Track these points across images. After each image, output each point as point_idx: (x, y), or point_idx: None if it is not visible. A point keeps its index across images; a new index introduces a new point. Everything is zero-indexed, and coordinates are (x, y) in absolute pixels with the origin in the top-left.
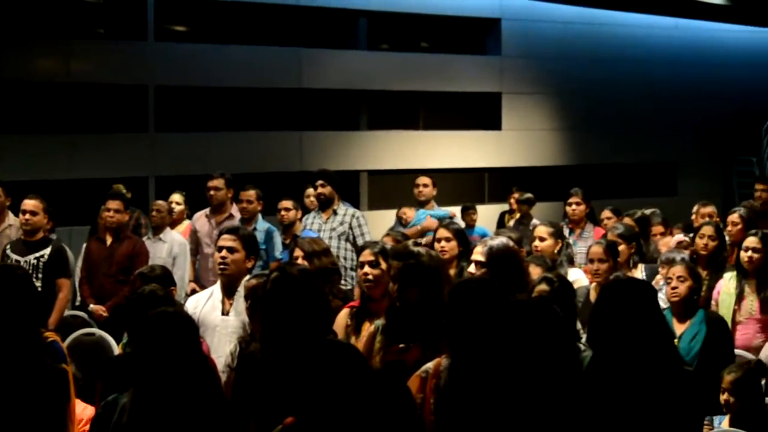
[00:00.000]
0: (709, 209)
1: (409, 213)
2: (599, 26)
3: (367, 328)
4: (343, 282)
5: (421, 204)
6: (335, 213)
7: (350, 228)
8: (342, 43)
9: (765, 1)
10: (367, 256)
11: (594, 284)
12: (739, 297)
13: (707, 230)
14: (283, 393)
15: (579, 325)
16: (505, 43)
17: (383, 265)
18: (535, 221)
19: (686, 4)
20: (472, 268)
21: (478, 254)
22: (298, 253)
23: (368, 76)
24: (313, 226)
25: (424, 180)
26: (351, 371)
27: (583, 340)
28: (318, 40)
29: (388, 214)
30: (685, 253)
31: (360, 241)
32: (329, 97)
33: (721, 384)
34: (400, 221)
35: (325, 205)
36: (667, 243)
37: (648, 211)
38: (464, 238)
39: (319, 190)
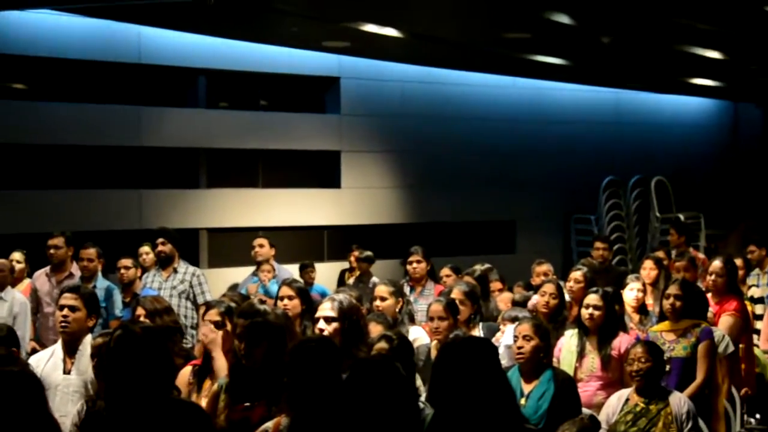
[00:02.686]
0: (545, 267)
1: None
2: (438, 85)
3: (209, 386)
4: (184, 340)
5: (259, 264)
6: (175, 271)
7: (191, 286)
8: (181, 101)
9: (603, 61)
10: (213, 315)
11: (435, 342)
12: (581, 354)
13: (549, 288)
14: None
15: (420, 383)
16: (344, 102)
17: (228, 326)
18: (374, 279)
19: (524, 64)
20: (322, 324)
21: (327, 310)
22: (140, 311)
23: (208, 134)
24: (154, 284)
25: (260, 241)
26: (195, 430)
27: (423, 398)
28: (157, 98)
29: (227, 272)
30: (527, 312)
31: (200, 300)
32: (168, 155)
33: None
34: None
35: (165, 263)
36: (505, 299)
37: (483, 267)
38: (307, 297)
39: (160, 248)
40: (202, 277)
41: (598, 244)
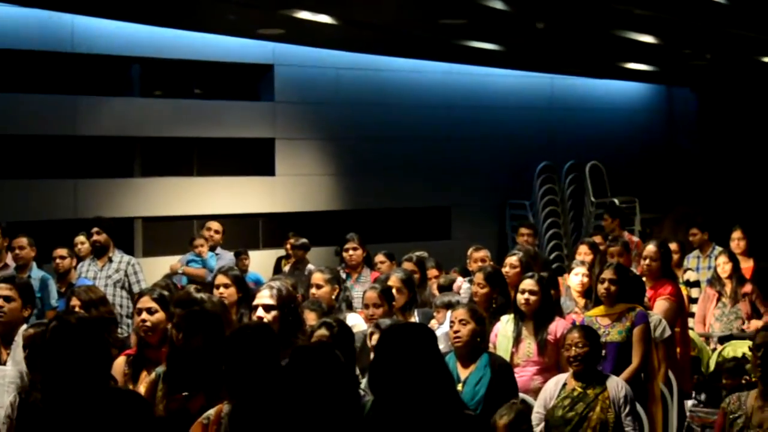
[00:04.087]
0: (482, 253)
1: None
2: (372, 72)
3: (145, 376)
4: (119, 330)
5: (212, 249)
6: (110, 260)
7: (126, 275)
8: (115, 89)
9: (538, 47)
10: (145, 302)
11: (370, 328)
12: (517, 340)
13: (478, 277)
14: None
15: (357, 370)
16: (278, 89)
17: (160, 313)
18: (310, 266)
19: (460, 50)
20: (261, 312)
21: (266, 298)
22: (74, 302)
23: (142, 122)
24: (89, 273)
25: (215, 226)
26: (136, 419)
27: (363, 384)
28: (91, 87)
29: (162, 260)
30: (461, 297)
31: (136, 289)
32: (103, 144)
33: (496, 429)
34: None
35: (100, 252)
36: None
37: (420, 254)
38: (243, 285)
39: (95, 237)
40: (137, 266)
41: (522, 230)
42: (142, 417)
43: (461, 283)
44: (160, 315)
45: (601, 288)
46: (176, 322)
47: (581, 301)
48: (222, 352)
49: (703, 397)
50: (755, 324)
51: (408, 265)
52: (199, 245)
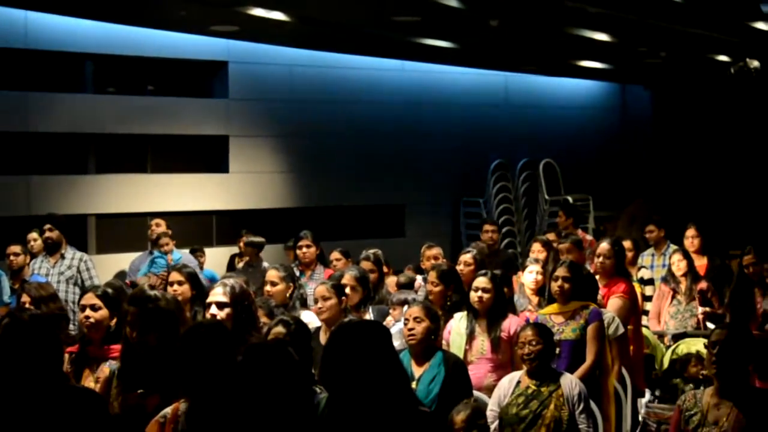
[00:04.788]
0: (435, 251)
1: None
2: (326, 69)
3: (88, 374)
4: (72, 327)
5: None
6: (63, 257)
7: (78, 272)
8: (69, 86)
9: (491, 44)
10: (89, 299)
11: (323, 325)
12: (470, 337)
13: (431, 276)
14: None
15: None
16: (232, 86)
17: (104, 310)
18: (264, 264)
19: (413, 47)
20: (214, 310)
21: (219, 295)
22: (25, 298)
23: (95, 119)
24: (41, 270)
25: (157, 221)
26: (92, 416)
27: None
28: (44, 84)
29: (116, 257)
30: (416, 294)
31: (88, 285)
32: (57, 141)
33: (453, 425)
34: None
35: (52, 249)
36: (391, 283)
37: (374, 252)
38: (197, 282)
39: (47, 234)
40: (90, 262)
41: (486, 227)
42: (98, 414)
43: (421, 281)
44: (103, 312)
45: (555, 286)
46: (130, 320)
47: (534, 299)
48: (176, 350)
49: (657, 393)
50: (704, 310)
51: (366, 264)
52: (164, 244)
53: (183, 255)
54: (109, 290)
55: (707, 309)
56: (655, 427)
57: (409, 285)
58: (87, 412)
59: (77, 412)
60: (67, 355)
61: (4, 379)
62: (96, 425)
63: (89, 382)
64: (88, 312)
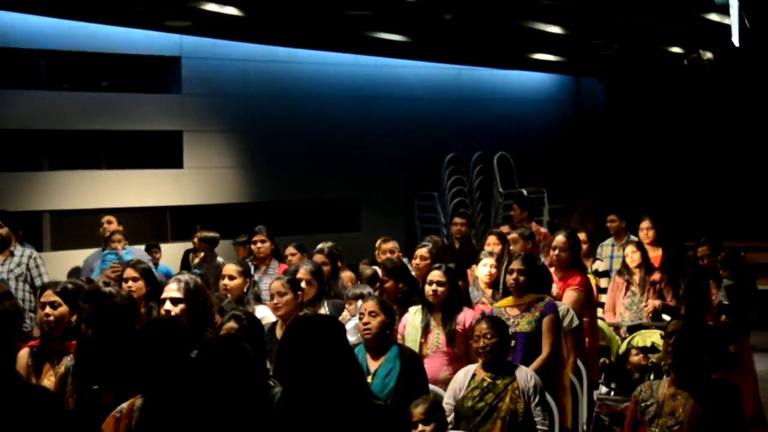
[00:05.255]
0: (390, 245)
1: None
2: (280, 64)
3: (48, 368)
4: (25, 324)
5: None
6: (12, 254)
7: (28, 269)
8: (22, 83)
9: (445, 38)
10: (48, 296)
11: (279, 320)
12: (425, 330)
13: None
14: None
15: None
16: (186, 82)
17: (64, 307)
18: (219, 259)
19: (367, 41)
20: (168, 306)
21: (174, 291)
22: None
23: (49, 116)
24: None
25: (108, 218)
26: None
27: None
28: None
29: (71, 254)
30: (371, 289)
31: (38, 282)
32: (10, 138)
33: (412, 418)
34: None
35: (1, 246)
36: (346, 278)
37: (327, 245)
38: (152, 278)
39: None
40: (39, 259)
41: (456, 219)
42: (52, 412)
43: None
44: (63, 309)
45: (510, 279)
46: (86, 317)
47: (488, 292)
48: (132, 346)
49: (613, 385)
50: (653, 303)
51: (319, 257)
52: (116, 241)
53: (135, 252)
54: (69, 286)
55: (657, 303)
56: (608, 420)
57: (375, 279)
58: (40, 410)
59: (30, 411)
60: (27, 350)
61: None
62: (49, 423)
63: (50, 377)
64: (48, 309)
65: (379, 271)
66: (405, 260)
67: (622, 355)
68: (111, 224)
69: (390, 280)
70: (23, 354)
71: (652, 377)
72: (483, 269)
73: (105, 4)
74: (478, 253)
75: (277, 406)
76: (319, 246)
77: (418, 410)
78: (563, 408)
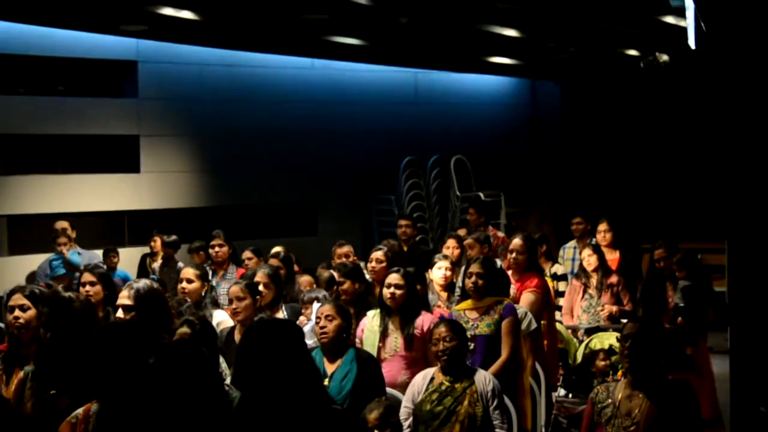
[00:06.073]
0: (346, 249)
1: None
2: (236, 68)
3: (18, 372)
4: None
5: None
6: None
7: None
8: None
9: (401, 42)
10: (17, 300)
11: (238, 324)
12: (383, 334)
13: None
14: None
15: (224, 366)
16: (142, 86)
17: (32, 310)
18: (180, 264)
19: (323, 45)
20: (120, 314)
21: (125, 298)
22: None
23: (4, 120)
24: None
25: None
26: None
27: (229, 381)
28: None
29: (28, 259)
30: (326, 292)
31: None
32: None
33: (367, 424)
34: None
35: None
36: (304, 282)
37: (278, 249)
38: (109, 282)
39: None
40: None
41: (401, 222)
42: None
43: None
44: (32, 312)
45: (469, 282)
46: (44, 321)
47: (444, 295)
48: (88, 351)
49: (570, 388)
50: (609, 309)
51: (273, 262)
52: (61, 244)
53: (85, 254)
54: (37, 290)
55: (614, 309)
56: (566, 423)
57: (332, 283)
58: None
59: None
60: None
61: None
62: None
63: (14, 383)
64: (17, 312)
65: (336, 275)
66: (361, 264)
67: (583, 357)
68: (63, 228)
69: (347, 281)
70: None
71: (610, 378)
72: (438, 272)
73: (61, 8)
74: (429, 255)
75: (235, 410)
76: (274, 250)
77: (372, 416)
78: (523, 410)
